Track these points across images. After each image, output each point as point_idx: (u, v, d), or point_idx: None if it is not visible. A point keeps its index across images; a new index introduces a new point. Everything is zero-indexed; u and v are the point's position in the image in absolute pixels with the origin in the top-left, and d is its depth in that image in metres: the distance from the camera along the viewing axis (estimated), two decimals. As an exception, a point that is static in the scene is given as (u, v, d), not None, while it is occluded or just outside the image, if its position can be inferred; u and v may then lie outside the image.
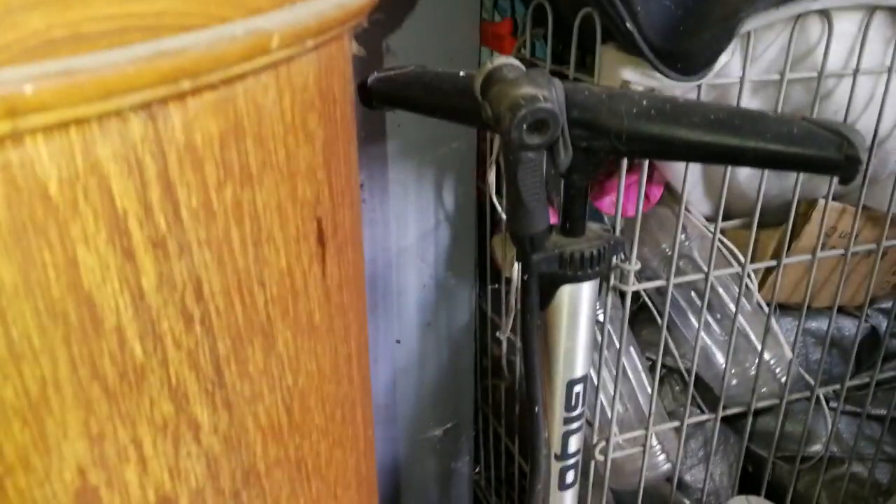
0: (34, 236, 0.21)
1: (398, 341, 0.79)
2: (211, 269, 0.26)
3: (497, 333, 0.77)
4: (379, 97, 0.50)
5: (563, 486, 0.57)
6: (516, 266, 0.74)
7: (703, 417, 0.75)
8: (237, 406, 0.29)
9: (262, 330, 0.29)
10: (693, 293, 0.74)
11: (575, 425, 0.54)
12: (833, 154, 0.38)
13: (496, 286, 0.79)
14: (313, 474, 0.35)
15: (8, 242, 0.20)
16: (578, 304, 0.49)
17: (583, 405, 0.53)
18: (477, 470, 0.93)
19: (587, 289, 0.49)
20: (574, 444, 0.55)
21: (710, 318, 0.75)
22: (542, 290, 0.49)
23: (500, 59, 0.42)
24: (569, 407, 0.53)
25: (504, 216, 0.73)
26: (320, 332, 0.33)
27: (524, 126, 0.39)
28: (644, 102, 0.43)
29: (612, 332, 0.70)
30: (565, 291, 0.49)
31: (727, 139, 0.41)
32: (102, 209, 0.22)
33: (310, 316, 0.31)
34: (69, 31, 0.33)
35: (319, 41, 0.27)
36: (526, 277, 0.48)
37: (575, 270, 0.48)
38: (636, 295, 0.76)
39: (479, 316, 0.83)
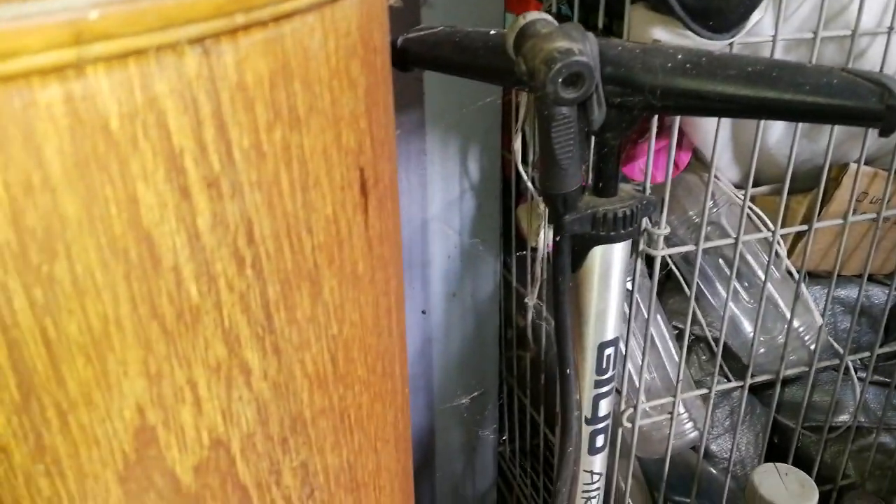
0: (97, 171, 0.21)
1: (424, 312, 0.79)
2: (261, 211, 0.26)
3: (525, 300, 0.77)
4: (410, 58, 0.50)
5: (592, 451, 0.57)
6: (542, 235, 0.74)
7: (731, 385, 0.75)
8: (286, 352, 0.29)
9: (310, 276, 0.29)
10: (721, 261, 0.74)
11: (605, 388, 0.54)
12: (874, 105, 0.38)
13: (522, 254, 0.79)
14: (356, 426, 0.35)
15: (72, 176, 0.21)
16: (610, 265, 0.49)
17: (613, 368, 0.54)
18: (502, 440, 0.93)
19: (619, 250, 0.49)
20: (604, 407, 0.55)
21: (738, 286, 0.75)
22: (573, 251, 0.49)
23: (533, 15, 0.42)
24: (599, 370, 0.53)
25: (530, 185, 0.73)
26: (363, 283, 0.33)
27: (559, 80, 0.38)
28: (679, 57, 0.42)
29: (639, 300, 0.70)
30: (597, 252, 0.49)
31: (765, 92, 0.40)
32: (160, 146, 0.22)
33: (354, 266, 0.32)
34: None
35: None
36: (558, 238, 0.48)
37: (608, 230, 0.48)
38: (663, 263, 0.76)
39: (503, 286, 0.83)
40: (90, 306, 0.23)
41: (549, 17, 0.42)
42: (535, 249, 0.75)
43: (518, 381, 0.88)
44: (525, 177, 0.72)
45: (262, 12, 0.23)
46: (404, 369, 0.43)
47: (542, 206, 0.73)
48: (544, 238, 0.73)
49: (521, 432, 0.92)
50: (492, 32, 0.48)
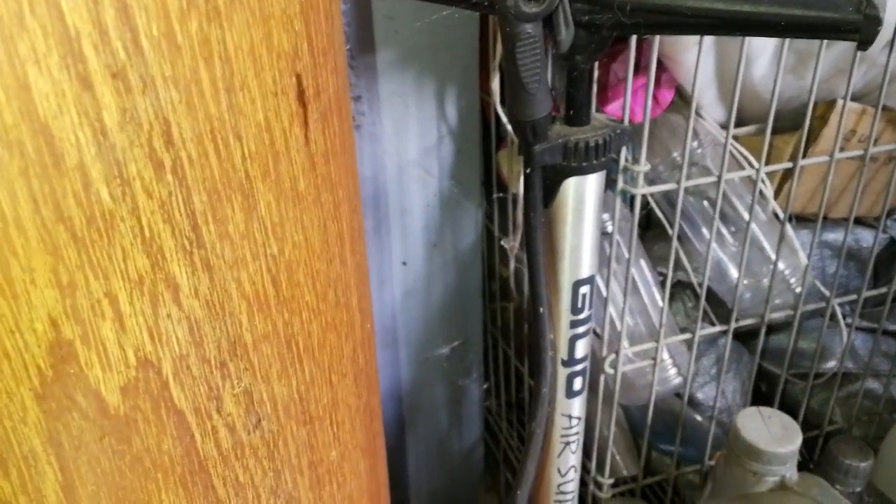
0: None
1: (404, 263, 0.77)
2: (179, 111, 0.24)
3: (502, 242, 0.75)
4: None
5: (570, 394, 0.56)
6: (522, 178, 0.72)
7: (716, 329, 0.73)
8: (218, 269, 0.28)
9: (241, 188, 0.27)
10: (705, 203, 0.72)
11: (582, 329, 0.53)
12: (851, 15, 0.36)
13: (502, 198, 0.77)
14: (305, 355, 0.34)
15: (-52, 53, 0.19)
16: (584, 198, 0.47)
17: (590, 308, 0.52)
18: (488, 393, 0.93)
19: (593, 182, 0.47)
20: (581, 349, 0.54)
21: (723, 230, 0.73)
22: (545, 184, 0.47)
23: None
24: (575, 309, 0.52)
25: (510, 128, 0.71)
26: (307, 203, 0.31)
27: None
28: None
29: (620, 241, 0.68)
30: (570, 185, 0.47)
31: (739, 5, 0.38)
32: (52, 26, 0.20)
33: (294, 182, 0.30)
34: None
35: None
36: (528, 171, 0.46)
37: (580, 161, 0.46)
38: (645, 207, 0.74)
39: (486, 236, 0.81)
40: None
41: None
42: (516, 197, 0.73)
43: (502, 333, 0.87)
44: (504, 118, 0.70)
45: None
46: (365, 302, 0.41)
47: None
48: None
49: (507, 385, 0.91)
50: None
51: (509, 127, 0.71)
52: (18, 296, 0.23)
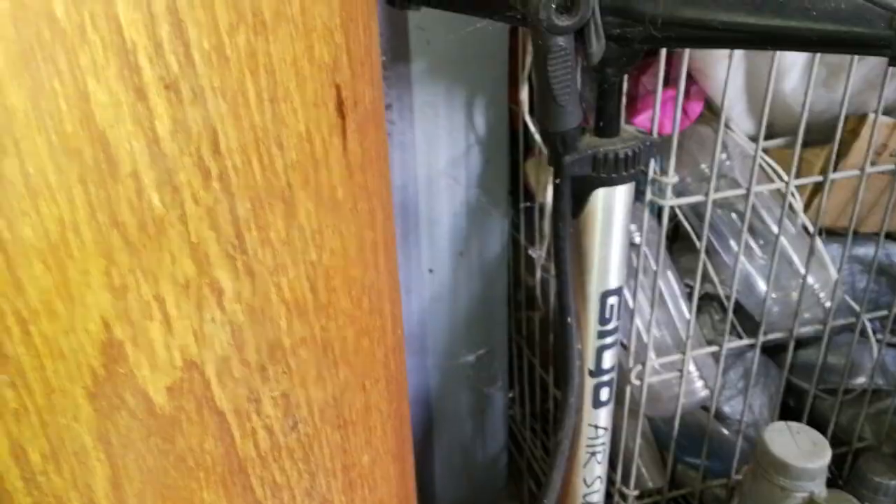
0: (43, 62, 0.20)
1: (431, 270, 0.78)
2: (227, 121, 0.25)
3: (530, 252, 0.76)
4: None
5: (597, 404, 0.56)
6: (550, 189, 0.72)
7: (743, 343, 0.73)
8: (260, 275, 0.29)
9: (283, 196, 0.28)
10: (734, 215, 0.72)
11: (609, 340, 0.53)
12: (883, 31, 0.36)
13: (529, 208, 0.78)
14: (340, 360, 0.35)
15: (17, 65, 0.20)
16: (612, 209, 0.48)
17: (617, 319, 0.52)
18: (511, 397, 0.93)
19: (622, 193, 0.47)
20: (608, 360, 0.54)
21: (752, 244, 0.73)
22: (574, 195, 0.47)
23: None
24: (603, 320, 0.52)
25: (538, 137, 0.71)
26: (344, 211, 0.32)
27: (552, 6, 0.37)
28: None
29: (648, 253, 0.68)
30: (599, 196, 0.47)
31: (769, 20, 0.38)
32: (111, 39, 0.21)
33: (332, 191, 0.31)
34: None
35: None
36: (558, 181, 0.46)
37: (609, 172, 0.46)
38: (674, 219, 0.74)
39: (512, 245, 0.81)
40: (45, 208, 0.22)
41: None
42: (542, 207, 0.74)
43: (527, 342, 0.87)
44: (532, 129, 0.70)
45: None
46: (396, 309, 0.42)
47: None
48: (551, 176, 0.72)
49: (532, 395, 0.91)
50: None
51: (538, 137, 0.71)
52: (74, 297, 0.24)
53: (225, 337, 0.28)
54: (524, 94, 0.69)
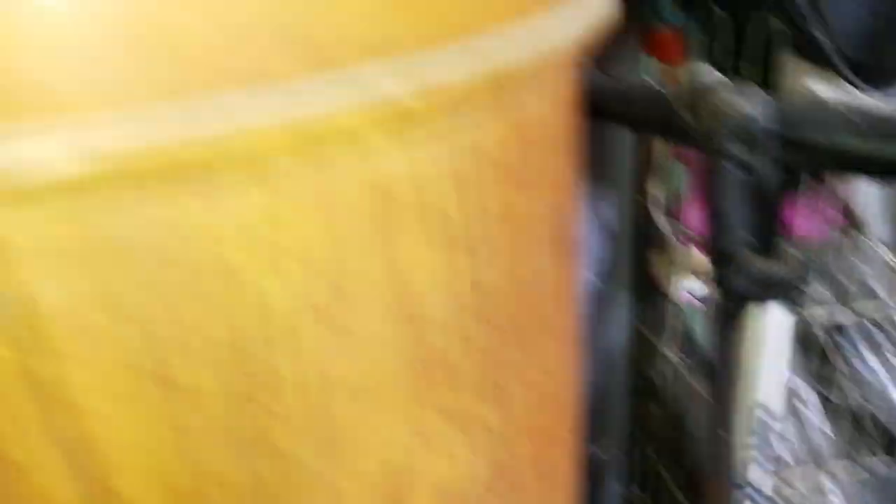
0: (393, 233, 0.23)
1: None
2: (502, 276, 0.27)
3: (662, 350, 0.76)
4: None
5: (740, 516, 0.55)
6: (680, 284, 0.73)
7: (880, 458, 0.70)
8: (512, 408, 0.30)
9: (535, 335, 0.30)
10: (872, 327, 0.71)
11: (755, 453, 0.53)
12: None
13: (653, 301, 0.78)
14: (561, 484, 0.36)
15: (376, 240, 0.22)
16: (771, 326, 0.48)
17: (765, 432, 0.52)
18: (630, 497, 0.90)
19: (780, 311, 0.48)
20: (753, 472, 0.53)
21: (889, 356, 0.71)
22: (735, 309, 0.48)
23: (702, 69, 0.42)
24: (751, 433, 0.52)
25: (668, 232, 0.72)
26: (568, 339, 0.34)
27: (736, 140, 0.39)
28: (855, 117, 0.41)
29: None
30: (759, 312, 0.48)
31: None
32: (434, 211, 0.24)
33: (565, 323, 0.33)
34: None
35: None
36: (722, 297, 0.47)
37: (770, 291, 0.47)
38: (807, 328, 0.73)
39: (634, 335, 0.81)
40: (366, 354, 0.24)
41: (720, 75, 0.43)
42: (669, 299, 0.74)
43: (647, 436, 0.86)
44: (663, 225, 0.72)
45: (522, 85, 0.24)
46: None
47: (679, 254, 0.72)
48: (680, 288, 0.72)
49: (654, 493, 0.89)
50: (651, 83, 0.49)
51: (668, 231, 0.72)
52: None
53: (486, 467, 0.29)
54: (654, 189, 0.70)
